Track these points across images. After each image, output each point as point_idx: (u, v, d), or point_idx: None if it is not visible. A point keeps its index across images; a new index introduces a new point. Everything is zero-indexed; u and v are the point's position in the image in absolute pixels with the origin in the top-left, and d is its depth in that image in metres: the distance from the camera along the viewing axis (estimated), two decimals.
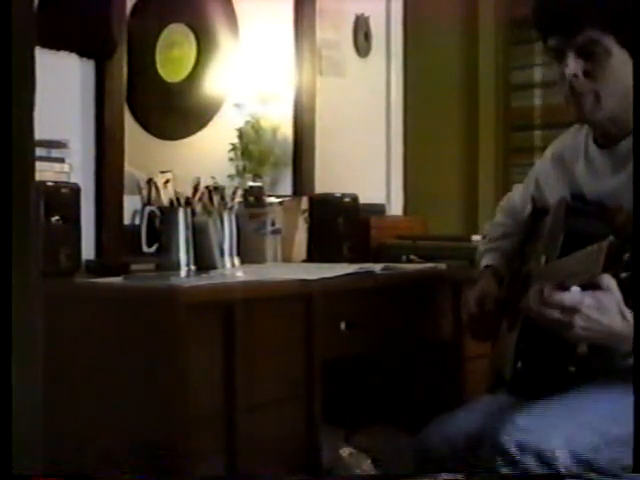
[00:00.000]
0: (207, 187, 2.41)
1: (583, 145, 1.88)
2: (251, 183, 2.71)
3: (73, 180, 2.28)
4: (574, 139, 1.92)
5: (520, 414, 1.65)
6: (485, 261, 2.11)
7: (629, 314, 1.51)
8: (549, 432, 1.60)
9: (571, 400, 1.67)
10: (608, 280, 1.48)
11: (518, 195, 2.13)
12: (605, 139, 1.81)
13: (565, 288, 1.52)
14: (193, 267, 2.29)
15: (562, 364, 1.71)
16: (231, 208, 2.44)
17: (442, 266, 2.56)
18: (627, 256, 1.45)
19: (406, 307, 2.39)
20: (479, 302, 2.00)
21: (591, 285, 1.50)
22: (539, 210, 1.97)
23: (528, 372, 1.79)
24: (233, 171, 2.78)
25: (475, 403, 1.93)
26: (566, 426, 1.61)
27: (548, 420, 1.62)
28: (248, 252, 2.54)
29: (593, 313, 1.50)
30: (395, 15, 3.48)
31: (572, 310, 1.50)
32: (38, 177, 1.98)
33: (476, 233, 3.00)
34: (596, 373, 1.71)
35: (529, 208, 2.02)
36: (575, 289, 1.51)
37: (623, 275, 1.48)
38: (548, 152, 2.02)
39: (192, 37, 2.79)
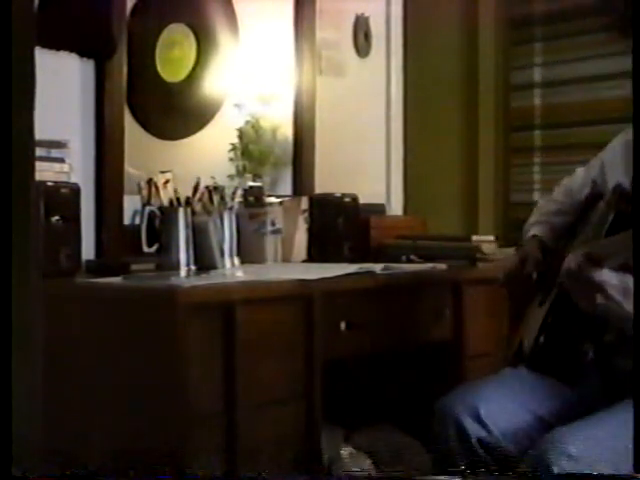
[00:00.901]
0: (207, 187, 2.41)
1: None
2: (251, 183, 2.71)
3: (73, 180, 2.28)
4: None
5: (569, 439, 1.62)
6: (533, 231, 2.12)
7: None
8: (596, 462, 1.60)
9: (615, 419, 1.66)
10: None
11: (579, 177, 2.13)
12: None
13: (600, 264, 1.58)
14: (193, 267, 2.29)
15: (583, 348, 1.73)
16: (231, 208, 2.44)
17: (442, 266, 2.55)
18: None
19: (406, 307, 2.39)
20: (522, 260, 2.02)
21: (625, 267, 1.56)
22: (595, 194, 1.98)
23: (548, 348, 1.80)
24: (233, 171, 2.78)
25: (496, 376, 1.95)
26: (612, 455, 1.61)
27: (597, 449, 1.62)
28: (248, 252, 2.54)
29: (617, 295, 1.57)
30: (395, 15, 3.48)
31: (598, 287, 1.57)
32: (38, 177, 1.98)
33: (476, 233, 3.00)
34: (614, 367, 1.72)
35: (587, 191, 2.03)
36: (607, 270, 1.58)
37: None
38: (621, 137, 2.00)
39: (192, 37, 2.79)
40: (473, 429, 1.80)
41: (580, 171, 2.15)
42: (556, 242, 2.06)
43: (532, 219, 2.18)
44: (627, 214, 1.72)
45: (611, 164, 1.99)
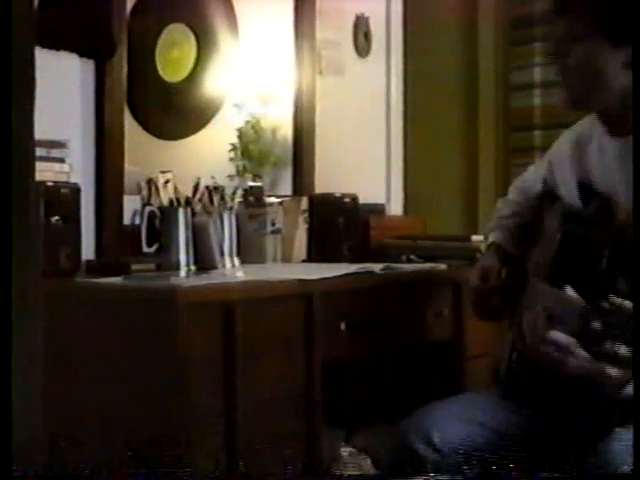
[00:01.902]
0: (207, 187, 2.41)
1: (599, 131, 1.82)
2: (251, 183, 2.71)
3: (73, 180, 2.28)
4: (592, 123, 1.86)
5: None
6: (491, 238, 2.09)
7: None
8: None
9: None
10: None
11: (530, 174, 2.11)
12: (616, 126, 1.76)
13: (556, 323, 1.53)
14: (193, 267, 2.29)
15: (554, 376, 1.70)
16: (231, 208, 2.44)
17: (442, 266, 2.56)
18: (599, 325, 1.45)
19: (406, 307, 2.39)
20: (482, 278, 2.00)
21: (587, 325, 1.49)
22: (548, 193, 1.94)
23: (522, 375, 1.78)
24: (233, 171, 2.78)
25: (455, 399, 1.93)
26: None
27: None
28: (248, 252, 2.54)
29: (583, 352, 1.49)
30: (395, 15, 3.48)
31: (566, 349, 1.50)
32: (38, 177, 1.97)
33: (476, 233, 3.00)
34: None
35: (539, 189, 1.99)
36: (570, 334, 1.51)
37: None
38: (567, 134, 1.98)
39: (192, 37, 2.79)
40: (427, 454, 1.75)
41: (531, 168, 2.13)
42: (516, 245, 2.03)
43: (491, 224, 2.16)
44: (574, 235, 1.69)
45: (558, 162, 1.95)
